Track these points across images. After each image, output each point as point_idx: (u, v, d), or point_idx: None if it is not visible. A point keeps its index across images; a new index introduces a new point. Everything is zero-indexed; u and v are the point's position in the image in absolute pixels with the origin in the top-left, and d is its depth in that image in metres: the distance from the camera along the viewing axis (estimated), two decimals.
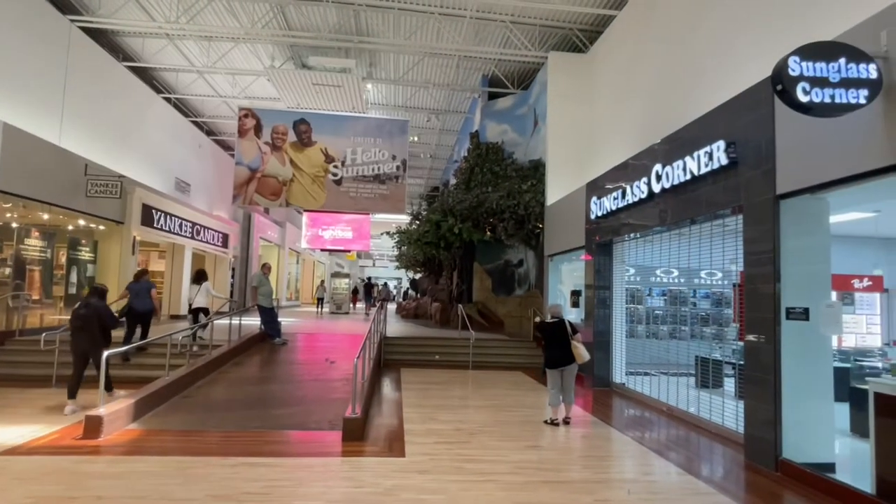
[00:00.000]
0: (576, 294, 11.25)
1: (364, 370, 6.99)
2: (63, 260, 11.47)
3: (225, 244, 19.48)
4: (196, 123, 18.90)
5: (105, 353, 5.77)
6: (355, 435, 5.42)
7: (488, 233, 13.85)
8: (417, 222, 16.69)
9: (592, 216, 9.35)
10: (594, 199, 9.29)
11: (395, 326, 14.91)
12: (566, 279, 12.42)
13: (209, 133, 20.43)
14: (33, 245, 10.39)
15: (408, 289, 31.63)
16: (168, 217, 14.42)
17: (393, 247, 21.59)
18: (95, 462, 4.51)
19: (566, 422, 6.31)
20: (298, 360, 10.09)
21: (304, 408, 6.70)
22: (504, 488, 4.12)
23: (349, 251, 29.18)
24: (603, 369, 9.05)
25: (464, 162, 16.25)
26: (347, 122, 14.26)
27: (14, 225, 9.91)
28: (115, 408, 5.51)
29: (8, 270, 9.73)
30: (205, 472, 4.31)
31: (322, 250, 25.77)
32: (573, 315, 10.80)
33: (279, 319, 11.69)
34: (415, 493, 3.98)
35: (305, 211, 17.80)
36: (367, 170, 13.86)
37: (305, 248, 27.89)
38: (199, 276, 10.75)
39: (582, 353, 6.32)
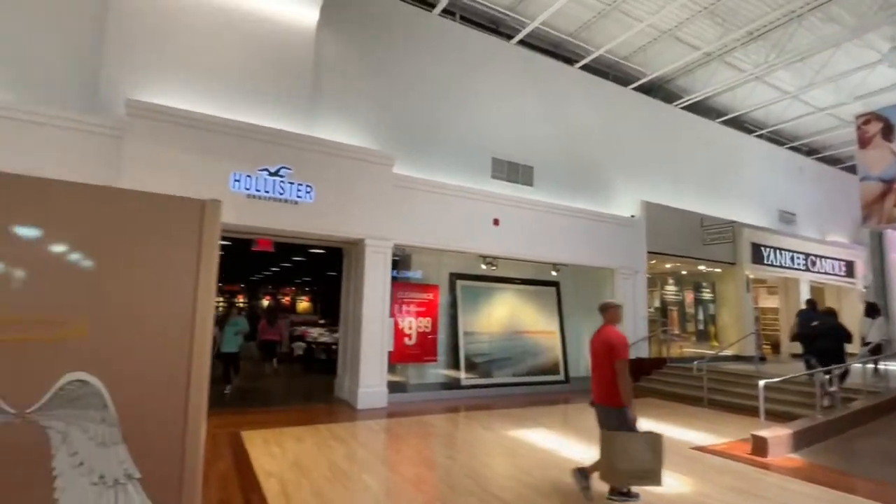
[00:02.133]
0: None
1: None
2: (690, 300, 13.61)
3: (850, 273, 16.71)
4: (792, 148, 17.84)
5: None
6: None
7: None
8: None
9: None
10: None
11: None
12: None
13: (808, 153, 18.67)
14: (670, 290, 13.01)
15: None
16: (777, 252, 14.18)
17: None
18: (767, 475, 5.10)
19: None
20: None
21: None
22: None
23: None
24: None
25: None
26: None
27: (657, 276, 12.87)
28: (777, 433, 6.00)
29: (655, 311, 12.63)
30: None
31: None
32: None
33: None
34: None
35: None
36: None
37: None
38: (871, 310, 10.05)
39: None
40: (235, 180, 7.07)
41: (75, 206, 1.63)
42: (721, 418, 7.99)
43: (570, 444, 6.10)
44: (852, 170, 15.84)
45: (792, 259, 14.66)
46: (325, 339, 13.09)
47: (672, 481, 4.63)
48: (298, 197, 7.52)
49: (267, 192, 7.28)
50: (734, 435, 6.73)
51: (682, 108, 14.28)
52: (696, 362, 9.48)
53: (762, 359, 12.59)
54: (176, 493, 1.65)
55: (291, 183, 7.49)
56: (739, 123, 16.05)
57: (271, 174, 7.36)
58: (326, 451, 5.34)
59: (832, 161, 18.90)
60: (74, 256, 1.60)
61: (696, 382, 9.80)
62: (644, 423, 7.00)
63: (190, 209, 1.79)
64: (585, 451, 5.68)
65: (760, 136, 16.56)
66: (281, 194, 7.40)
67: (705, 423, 7.55)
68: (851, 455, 6.23)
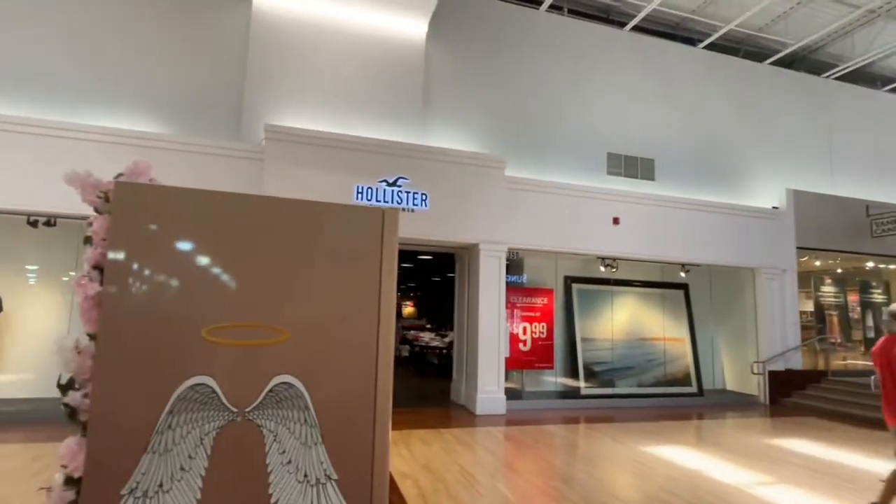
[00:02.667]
0: None
1: None
2: (855, 303, 11.53)
3: None
4: None
5: None
6: None
7: None
8: None
9: None
10: None
11: None
12: None
13: None
14: (827, 292, 11.14)
15: None
16: None
17: None
18: None
19: None
20: None
21: None
22: None
23: None
24: None
25: None
26: None
27: (809, 275, 11.10)
28: None
29: (809, 316, 10.89)
30: None
31: None
32: None
33: None
34: None
35: None
36: None
37: None
38: None
39: None
40: (358, 192, 7.48)
41: (276, 218, 1.74)
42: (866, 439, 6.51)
43: (715, 464, 5.42)
44: None
45: None
46: (437, 343, 13.35)
47: None
48: (415, 205, 7.74)
49: (386, 201, 7.60)
50: None
51: (836, 78, 12.23)
52: (874, 377, 7.92)
53: None
54: (367, 495, 1.68)
55: (408, 192, 7.73)
56: None
57: (389, 184, 7.67)
58: (454, 456, 5.35)
59: None
60: (276, 265, 1.70)
61: (869, 401, 8.22)
62: (821, 449, 5.99)
63: (372, 218, 1.84)
64: (735, 473, 5.00)
65: None
66: (399, 203, 7.67)
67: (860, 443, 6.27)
68: None
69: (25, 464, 4.60)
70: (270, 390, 1.64)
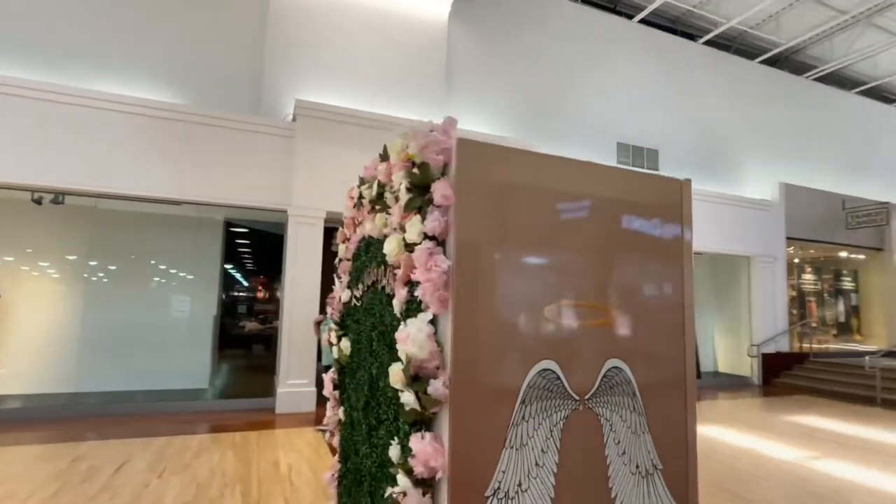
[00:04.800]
0: None
1: None
2: (828, 290, 12.44)
3: None
4: None
5: None
6: None
7: None
8: None
9: None
10: None
11: None
12: None
13: None
14: (807, 279, 11.95)
15: None
16: None
17: None
18: None
19: None
20: None
21: None
22: None
23: None
24: None
25: None
26: None
27: (791, 264, 11.85)
28: None
29: (793, 302, 11.65)
30: None
31: None
32: None
33: None
34: None
35: None
36: None
37: None
38: None
39: None
40: None
41: (597, 186, 1.56)
42: None
43: (759, 442, 5.68)
44: None
45: None
46: None
47: None
48: None
49: None
50: None
51: (815, 79, 13.00)
52: (867, 357, 8.60)
53: None
54: (684, 488, 1.56)
55: None
56: (878, 93, 14.42)
57: None
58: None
59: None
60: (600, 238, 1.53)
61: (856, 380, 8.92)
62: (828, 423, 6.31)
63: (673, 189, 1.69)
64: (783, 450, 5.26)
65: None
66: None
67: None
68: None
69: (69, 465, 4.11)
70: (604, 375, 1.50)
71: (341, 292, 2.23)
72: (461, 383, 1.28)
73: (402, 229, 1.45)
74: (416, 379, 1.30)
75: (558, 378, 1.42)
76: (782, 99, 12.39)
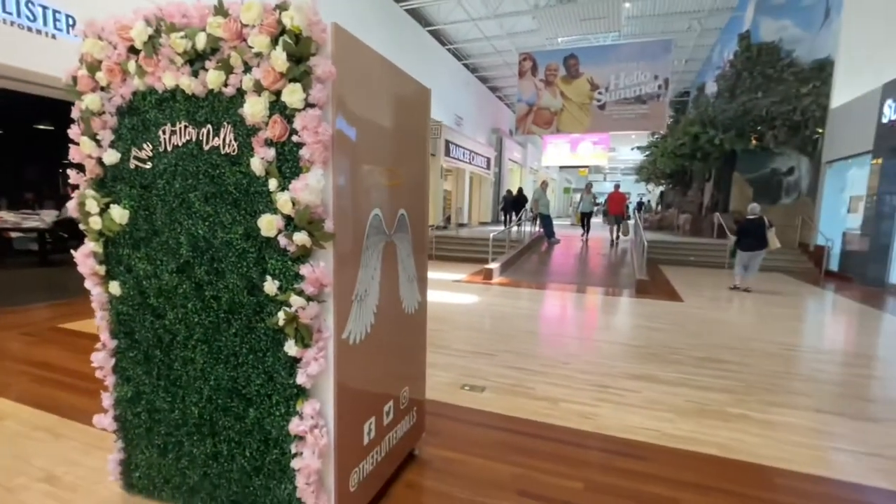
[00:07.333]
0: (858, 199, 10.94)
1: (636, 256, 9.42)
2: None
3: (488, 167, 23.54)
4: (465, 65, 22.56)
5: None
6: (645, 290, 8.01)
7: (754, 142, 13.76)
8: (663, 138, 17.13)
9: (885, 119, 9.07)
10: (889, 101, 8.94)
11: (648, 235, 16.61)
12: (848, 185, 11.86)
13: (473, 70, 24.01)
14: None
15: (647, 201, 31.55)
16: (457, 148, 18.67)
17: (646, 155, 21.90)
18: (493, 287, 8.27)
19: (747, 290, 8.46)
20: (574, 252, 13.13)
21: (599, 277, 9.66)
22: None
23: (585, 167, 30.85)
24: (877, 270, 9.33)
25: (728, 67, 15.69)
26: (611, 51, 15.37)
27: None
28: (494, 266, 9.40)
29: None
30: (556, 294, 7.50)
31: (562, 168, 27.94)
32: (853, 221, 10.71)
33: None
34: (697, 311, 6.44)
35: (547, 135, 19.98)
36: (628, 92, 15.02)
37: (544, 167, 30.62)
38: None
39: (776, 241, 8.26)
40: None
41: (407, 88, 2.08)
42: (449, 266, 11.21)
43: None
44: (493, 90, 21.57)
45: (464, 154, 19.58)
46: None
47: (466, 296, 7.10)
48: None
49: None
50: (468, 272, 9.98)
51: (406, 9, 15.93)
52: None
53: (446, 227, 17.13)
54: (426, 284, 2.52)
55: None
56: (437, 35, 19.09)
57: None
58: None
59: (483, 80, 24.93)
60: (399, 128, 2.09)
61: None
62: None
63: (423, 93, 2.38)
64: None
65: (449, 51, 20.23)
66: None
67: (447, 269, 10.65)
68: (522, 272, 10.45)
69: None
70: (398, 219, 2.21)
71: (101, 153, 1.88)
72: (338, 223, 1.72)
73: (272, 93, 1.61)
74: (311, 222, 1.64)
75: (381, 220, 2.04)
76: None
